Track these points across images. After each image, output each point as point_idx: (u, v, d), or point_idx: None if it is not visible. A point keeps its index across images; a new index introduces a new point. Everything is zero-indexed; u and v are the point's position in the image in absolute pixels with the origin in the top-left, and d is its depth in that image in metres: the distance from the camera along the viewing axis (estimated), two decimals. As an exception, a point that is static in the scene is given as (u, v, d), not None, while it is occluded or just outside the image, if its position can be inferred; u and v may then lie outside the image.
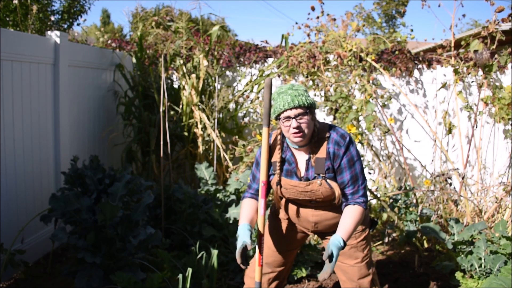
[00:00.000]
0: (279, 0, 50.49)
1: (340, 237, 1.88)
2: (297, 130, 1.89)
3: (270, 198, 3.20)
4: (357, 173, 1.98)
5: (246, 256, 1.90)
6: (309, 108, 1.90)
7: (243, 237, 1.92)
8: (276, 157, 2.04)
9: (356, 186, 1.98)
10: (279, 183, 2.04)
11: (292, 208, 2.15)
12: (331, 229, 2.10)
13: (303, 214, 2.12)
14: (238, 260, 1.87)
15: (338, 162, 1.95)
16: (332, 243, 1.85)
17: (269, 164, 2.05)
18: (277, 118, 1.95)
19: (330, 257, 1.82)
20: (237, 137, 4.37)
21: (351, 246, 2.14)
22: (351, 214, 1.95)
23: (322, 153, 1.96)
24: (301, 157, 2.02)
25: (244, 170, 3.69)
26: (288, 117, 1.89)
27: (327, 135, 1.97)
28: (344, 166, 1.96)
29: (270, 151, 2.05)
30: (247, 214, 2.04)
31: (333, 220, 2.11)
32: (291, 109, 1.88)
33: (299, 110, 1.88)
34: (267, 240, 2.23)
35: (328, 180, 1.97)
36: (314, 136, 1.97)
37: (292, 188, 2.02)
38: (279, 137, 2.05)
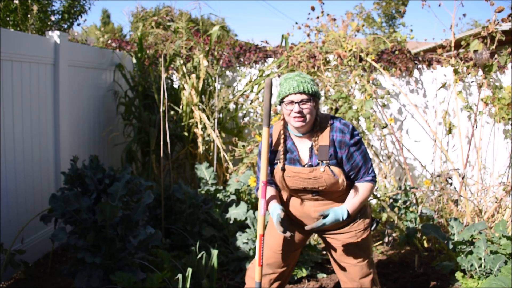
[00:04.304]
0: (279, 0, 50.48)
1: (346, 209, 1.99)
2: (298, 115, 1.92)
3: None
4: (365, 154, 2.05)
5: (284, 225, 1.98)
6: (313, 96, 1.95)
7: (274, 211, 2.01)
8: (281, 146, 2.07)
9: (367, 165, 2.05)
10: (283, 168, 2.07)
11: (293, 204, 2.15)
12: (333, 226, 2.10)
13: (305, 209, 2.12)
14: (279, 229, 1.94)
15: (347, 148, 1.99)
16: (335, 210, 1.97)
17: (269, 163, 2.07)
18: (281, 102, 1.98)
19: (324, 217, 1.96)
20: (236, 138, 4.37)
21: (353, 245, 2.14)
22: (360, 190, 2.04)
23: (325, 140, 1.99)
24: (304, 145, 2.04)
25: (244, 171, 3.68)
26: (292, 101, 1.93)
27: (330, 123, 2.02)
28: (354, 150, 2.01)
29: (273, 142, 2.09)
30: (271, 198, 2.11)
31: None
32: (295, 93, 1.92)
33: (303, 96, 1.92)
34: (268, 241, 2.23)
35: (331, 167, 1.99)
36: (317, 125, 2.00)
37: (296, 175, 2.03)
38: (281, 127, 2.08)
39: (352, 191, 2.05)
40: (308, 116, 1.94)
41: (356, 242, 2.13)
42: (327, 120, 2.02)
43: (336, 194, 2.08)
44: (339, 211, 1.98)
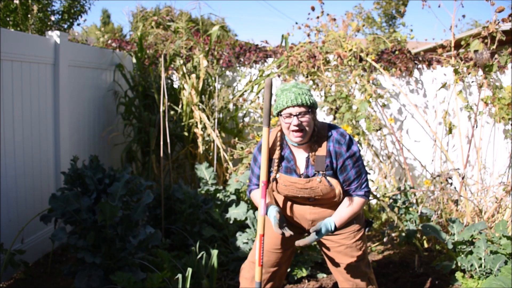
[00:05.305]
0: (279, 0, 50.46)
1: (333, 222, 1.99)
2: (297, 128, 1.91)
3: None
4: (360, 168, 2.03)
5: (282, 227, 1.97)
6: (311, 108, 1.93)
7: (271, 213, 2.00)
8: (276, 155, 2.05)
9: (360, 180, 2.03)
10: (275, 179, 2.06)
11: (289, 205, 2.15)
12: None
13: (301, 211, 2.12)
14: (278, 232, 1.94)
15: (342, 160, 1.98)
16: (323, 223, 1.97)
17: (270, 162, 2.05)
18: (279, 114, 1.96)
19: (317, 233, 1.94)
20: (236, 139, 4.38)
21: (347, 246, 2.14)
22: (349, 204, 2.03)
23: (322, 151, 1.98)
24: (301, 155, 2.03)
25: (243, 171, 3.68)
26: (290, 114, 1.91)
27: (327, 133, 2.00)
28: (348, 163, 1.99)
29: (270, 149, 2.06)
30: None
31: None
32: (293, 106, 1.90)
33: (301, 109, 1.90)
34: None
35: (328, 178, 1.98)
36: (314, 135, 1.99)
37: (292, 185, 2.02)
38: (279, 134, 2.06)
39: (342, 204, 2.05)
40: (307, 129, 1.93)
41: (350, 242, 2.14)
42: (324, 130, 2.01)
43: (333, 201, 2.08)
44: (328, 224, 1.98)
